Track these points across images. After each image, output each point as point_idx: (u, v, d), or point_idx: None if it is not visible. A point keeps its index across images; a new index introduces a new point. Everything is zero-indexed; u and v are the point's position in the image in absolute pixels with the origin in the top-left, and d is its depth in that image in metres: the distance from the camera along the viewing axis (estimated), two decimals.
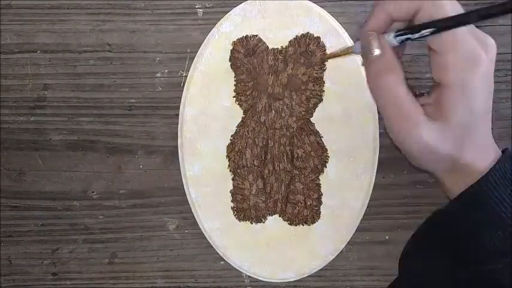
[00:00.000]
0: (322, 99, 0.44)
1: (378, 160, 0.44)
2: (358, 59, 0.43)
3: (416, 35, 0.33)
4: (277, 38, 0.44)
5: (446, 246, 0.36)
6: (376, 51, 0.33)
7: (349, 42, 0.44)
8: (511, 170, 0.34)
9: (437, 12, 0.31)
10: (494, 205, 0.33)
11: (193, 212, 0.45)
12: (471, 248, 0.34)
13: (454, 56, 0.31)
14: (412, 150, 0.33)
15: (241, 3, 0.44)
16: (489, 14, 0.30)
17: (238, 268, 0.45)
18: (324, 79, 0.44)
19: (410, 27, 0.33)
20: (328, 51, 0.44)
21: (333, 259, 0.45)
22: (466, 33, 0.31)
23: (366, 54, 0.34)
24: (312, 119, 0.44)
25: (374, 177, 0.44)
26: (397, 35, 0.33)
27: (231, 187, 0.45)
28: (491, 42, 0.32)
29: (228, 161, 0.45)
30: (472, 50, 0.31)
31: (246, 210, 0.44)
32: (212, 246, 0.45)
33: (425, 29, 0.32)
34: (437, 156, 0.33)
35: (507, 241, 0.33)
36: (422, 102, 0.34)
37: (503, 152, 0.35)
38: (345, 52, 0.37)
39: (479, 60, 0.31)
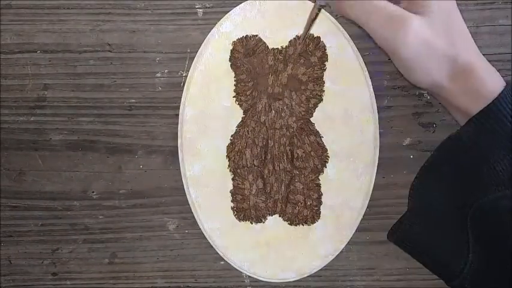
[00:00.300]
0: (322, 99, 0.44)
1: (378, 160, 0.44)
2: (357, 58, 0.43)
3: None
4: (277, 38, 0.44)
5: (458, 174, 0.35)
6: None
7: (349, 42, 0.44)
8: None
9: None
10: (506, 128, 0.32)
11: (193, 212, 0.45)
12: (484, 172, 0.34)
13: None
14: (410, 51, 0.33)
15: (241, 3, 0.44)
16: None
17: (238, 268, 0.45)
18: (324, 79, 0.44)
19: None
20: (328, 52, 0.44)
21: (333, 259, 0.45)
22: None
23: None
24: (312, 119, 0.44)
25: (374, 177, 0.44)
26: None
27: (231, 187, 0.45)
28: None
29: (228, 161, 0.45)
30: None
31: (246, 210, 0.44)
32: (212, 246, 0.45)
33: None
34: (434, 53, 0.33)
35: None
36: (403, 6, 0.34)
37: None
38: (315, 11, 0.36)
39: None
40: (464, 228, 0.35)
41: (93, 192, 0.46)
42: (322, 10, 0.44)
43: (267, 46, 0.44)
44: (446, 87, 0.34)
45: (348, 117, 0.44)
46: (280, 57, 0.44)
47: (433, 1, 0.33)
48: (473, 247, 0.35)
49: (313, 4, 0.36)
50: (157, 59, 0.45)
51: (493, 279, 0.35)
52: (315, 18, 0.37)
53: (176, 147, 0.45)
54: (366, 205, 0.44)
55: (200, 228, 0.45)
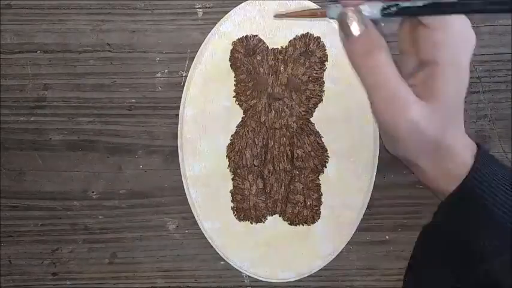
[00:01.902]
0: (322, 99, 0.44)
1: (378, 160, 0.44)
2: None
3: (408, 3, 0.30)
4: (277, 38, 0.44)
5: (444, 256, 0.36)
6: (359, 30, 0.30)
7: None
8: (497, 166, 0.33)
9: None
10: (486, 203, 0.32)
11: (193, 212, 0.45)
12: (469, 251, 0.34)
13: (448, 33, 0.30)
14: (400, 132, 0.32)
15: (241, 3, 0.44)
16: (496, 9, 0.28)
17: (238, 268, 0.45)
18: (324, 79, 0.44)
19: (402, 9, 0.30)
20: (328, 52, 0.44)
21: (333, 259, 0.45)
22: None
23: (346, 34, 0.31)
24: (312, 119, 0.44)
25: (374, 177, 0.44)
26: (384, 9, 0.30)
27: (231, 187, 0.45)
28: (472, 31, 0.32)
29: (228, 161, 0.45)
30: (465, 28, 0.30)
31: (246, 210, 0.44)
32: (212, 246, 0.45)
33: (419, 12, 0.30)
34: (423, 137, 0.32)
35: (504, 239, 0.33)
36: (409, 82, 0.32)
37: (477, 145, 0.34)
38: (315, 14, 0.33)
39: (472, 39, 0.30)
40: None
41: (93, 192, 0.46)
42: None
43: (267, 46, 0.44)
44: (420, 167, 0.34)
45: (348, 117, 0.44)
46: (280, 57, 0.44)
47: (444, 96, 0.31)
48: None
49: (317, 11, 0.34)
50: (157, 59, 0.45)
51: None
52: (302, 17, 0.35)
53: (176, 147, 0.45)
54: (366, 205, 0.44)
55: (200, 228, 0.45)
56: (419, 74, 0.32)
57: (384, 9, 0.30)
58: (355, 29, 0.30)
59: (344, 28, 0.31)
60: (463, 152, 0.33)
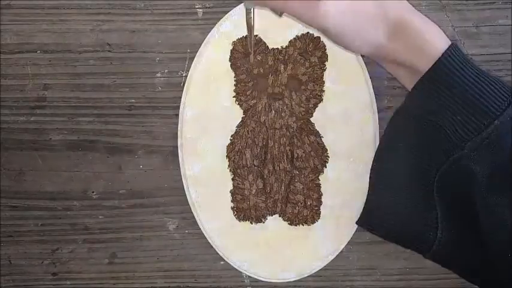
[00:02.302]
0: (322, 99, 0.44)
1: None
2: (357, 58, 0.43)
3: None
4: (277, 38, 0.44)
5: (415, 147, 0.36)
6: None
7: None
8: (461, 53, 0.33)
9: None
10: (457, 87, 0.33)
11: (193, 212, 0.45)
12: (438, 140, 0.34)
13: None
14: (336, 25, 0.32)
15: (241, 3, 0.44)
16: None
17: (238, 268, 0.45)
18: (324, 79, 0.44)
19: None
20: (328, 52, 0.44)
21: (333, 259, 0.45)
22: None
23: None
24: (312, 119, 0.44)
25: None
26: None
27: (231, 187, 0.45)
28: None
29: (228, 161, 0.45)
30: None
31: (246, 210, 0.44)
32: (212, 246, 0.45)
33: None
34: (361, 17, 0.32)
35: (473, 123, 0.33)
36: None
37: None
38: (249, 16, 0.36)
39: None
40: (431, 200, 0.35)
41: (93, 192, 0.46)
42: None
43: (267, 46, 0.44)
44: (387, 46, 0.34)
45: (348, 117, 0.44)
46: (280, 57, 0.44)
47: None
48: (442, 218, 0.35)
49: (244, 11, 0.36)
50: (157, 59, 0.45)
51: (464, 249, 0.35)
52: (253, 24, 0.37)
53: (176, 147, 0.45)
54: None
55: (200, 228, 0.45)
56: None
57: None
58: None
59: None
60: (426, 30, 0.34)
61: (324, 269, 0.45)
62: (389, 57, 0.35)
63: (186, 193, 0.45)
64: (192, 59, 0.45)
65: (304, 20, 0.33)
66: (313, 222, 0.44)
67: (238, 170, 0.44)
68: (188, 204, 0.45)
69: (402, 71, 0.36)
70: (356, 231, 0.45)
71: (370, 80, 0.44)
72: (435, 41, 0.34)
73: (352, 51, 0.35)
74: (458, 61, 0.33)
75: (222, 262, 0.46)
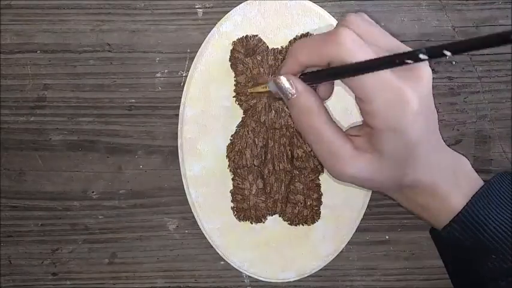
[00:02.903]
0: None
1: None
2: None
3: (324, 75, 0.33)
4: (277, 38, 0.44)
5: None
6: (291, 93, 0.33)
7: None
8: (498, 187, 0.34)
9: (348, 59, 0.30)
10: (484, 229, 0.33)
11: (193, 212, 0.45)
12: (470, 275, 0.34)
13: (379, 104, 0.30)
14: (348, 182, 0.34)
15: (241, 3, 0.44)
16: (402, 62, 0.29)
17: (238, 268, 0.45)
18: None
19: (317, 71, 0.33)
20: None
21: (333, 259, 0.45)
22: (389, 75, 0.30)
23: (284, 95, 0.34)
24: None
25: None
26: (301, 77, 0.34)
27: (231, 187, 0.45)
28: (421, 72, 0.31)
29: (228, 161, 0.45)
30: (396, 93, 0.30)
31: (246, 210, 0.44)
32: (212, 246, 0.45)
33: (335, 73, 0.31)
34: (374, 183, 0.33)
35: (505, 262, 0.33)
36: (352, 133, 0.34)
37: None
38: (265, 89, 0.38)
39: (406, 100, 0.30)
40: None
41: (93, 192, 0.46)
42: (325, 12, 0.44)
43: (267, 46, 0.44)
44: (396, 199, 0.36)
45: (348, 117, 0.44)
46: (280, 57, 0.44)
47: (387, 152, 0.32)
48: None
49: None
50: (157, 59, 0.45)
51: None
52: (262, 92, 0.40)
53: (176, 147, 0.45)
54: (366, 205, 0.44)
55: (200, 228, 0.45)
56: (364, 127, 0.34)
57: (300, 75, 0.34)
58: (287, 92, 0.34)
59: (281, 92, 0.34)
60: (432, 179, 0.34)
61: (324, 269, 0.45)
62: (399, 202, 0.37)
63: (186, 193, 0.45)
64: (192, 59, 0.45)
65: (322, 161, 0.34)
66: (313, 222, 0.44)
67: (238, 170, 0.44)
68: (188, 204, 0.45)
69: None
70: (356, 231, 0.45)
71: None
72: (452, 200, 0.35)
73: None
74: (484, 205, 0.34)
75: (222, 262, 0.46)
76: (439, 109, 0.45)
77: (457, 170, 0.35)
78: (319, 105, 0.33)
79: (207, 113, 0.44)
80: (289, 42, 0.44)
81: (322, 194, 0.44)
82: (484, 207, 0.33)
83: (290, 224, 0.45)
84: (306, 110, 0.33)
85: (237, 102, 0.44)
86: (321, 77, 0.33)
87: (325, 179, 0.44)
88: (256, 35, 0.44)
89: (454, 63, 0.45)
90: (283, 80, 0.33)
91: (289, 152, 0.44)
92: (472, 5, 0.44)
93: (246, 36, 0.44)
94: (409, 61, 0.28)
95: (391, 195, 0.36)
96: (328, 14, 0.44)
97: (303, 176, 0.44)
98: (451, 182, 0.34)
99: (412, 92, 0.30)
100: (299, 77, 0.34)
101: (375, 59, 0.30)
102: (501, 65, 0.45)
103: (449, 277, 0.38)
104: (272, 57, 0.44)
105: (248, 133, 0.44)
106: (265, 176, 0.44)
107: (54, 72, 0.45)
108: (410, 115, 0.30)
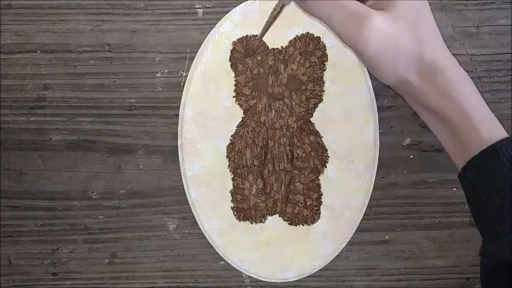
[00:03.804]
0: (322, 99, 0.44)
1: (378, 160, 0.44)
2: (357, 58, 0.43)
3: None
4: (277, 38, 0.44)
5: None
6: None
7: None
8: None
9: None
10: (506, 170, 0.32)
11: (193, 212, 0.45)
12: (488, 215, 0.33)
13: None
14: (373, 49, 0.32)
15: (241, 3, 0.44)
16: None
17: (238, 268, 0.45)
18: (324, 79, 0.44)
19: None
20: (328, 52, 0.44)
21: (333, 259, 0.45)
22: None
23: None
24: (312, 119, 0.44)
25: (374, 177, 0.44)
26: None
27: (231, 187, 0.45)
28: None
29: (228, 161, 0.45)
30: None
31: (246, 210, 0.44)
32: (212, 246, 0.45)
33: None
34: (398, 50, 0.32)
35: None
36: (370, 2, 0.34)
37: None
38: (277, 10, 0.36)
39: None
40: None
41: (93, 192, 0.46)
42: None
43: (267, 46, 0.44)
44: (414, 85, 0.34)
45: (348, 117, 0.44)
46: (280, 57, 0.44)
47: (403, 2, 0.32)
48: None
49: (275, 2, 0.36)
50: (157, 59, 0.45)
51: None
52: (276, 17, 0.37)
53: (176, 147, 0.45)
54: (366, 205, 0.44)
55: (200, 228, 0.45)
56: None
57: None
58: None
59: None
60: (458, 78, 0.33)
61: (324, 269, 0.45)
62: (417, 98, 0.35)
63: (186, 193, 0.45)
64: (192, 59, 0.45)
65: (342, 34, 0.33)
66: (313, 222, 0.44)
67: (238, 170, 0.44)
68: (188, 204, 0.45)
69: (423, 109, 0.36)
70: (356, 231, 0.45)
71: (370, 80, 0.44)
72: (463, 90, 0.34)
73: (376, 76, 0.35)
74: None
75: (222, 262, 0.46)
76: None
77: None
78: None
79: (207, 113, 0.44)
80: (289, 42, 0.44)
81: (322, 194, 0.44)
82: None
83: (290, 224, 0.45)
84: None
85: (237, 102, 0.44)
86: None
87: (325, 179, 0.44)
88: (256, 35, 0.44)
89: None
90: None
91: (289, 152, 0.44)
92: (472, 5, 0.44)
93: (246, 36, 0.44)
94: None
95: (408, 83, 0.34)
96: None
97: (303, 176, 0.44)
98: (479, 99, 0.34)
99: None
100: None
101: None
102: (501, 65, 0.45)
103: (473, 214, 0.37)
104: (272, 57, 0.44)
105: (248, 133, 0.44)
106: (265, 176, 0.44)
107: (54, 72, 0.45)
108: None
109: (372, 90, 0.44)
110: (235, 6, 0.44)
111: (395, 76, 0.34)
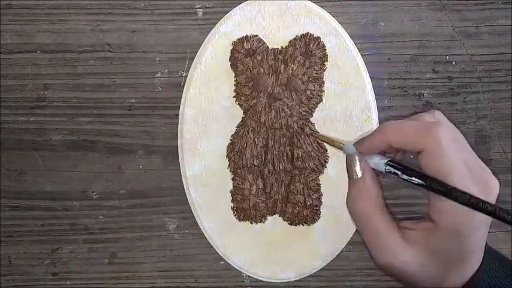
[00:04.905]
0: (322, 99, 0.44)
1: None
2: (357, 58, 0.43)
3: (405, 177, 0.33)
4: (277, 38, 0.44)
5: None
6: (357, 175, 0.34)
7: (349, 42, 0.44)
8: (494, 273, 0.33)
9: (437, 162, 0.31)
10: None
11: (193, 212, 0.45)
12: None
13: (451, 203, 0.31)
14: (393, 274, 0.34)
15: (241, 3, 0.44)
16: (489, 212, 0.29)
17: (238, 268, 0.45)
18: (324, 79, 0.44)
19: (404, 168, 0.33)
20: (328, 52, 0.44)
21: (333, 259, 0.45)
22: (467, 179, 0.31)
23: (349, 173, 0.34)
24: (312, 119, 0.44)
25: None
26: (388, 165, 0.34)
27: (231, 187, 0.45)
28: (494, 184, 0.32)
29: (228, 161, 0.45)
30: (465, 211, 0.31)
31: (246, 210, 0.44)
32: (212, 246, 0.45)
33: (417, 178, 0.32)
34: (416, 279, 0.33)
35: None
36: (407, 226, 0.34)
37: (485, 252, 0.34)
38: (336, 145, 0.39)
39: (479, 218, 0.31)
40: None
41: (93, 192, 0.46)
42: (325, 12, 0.44)
43: (267, 46, 0.44)
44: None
45: (348, 117, 0.44)
46: (280, 57, 0.44)
47: (441, 252, 0.32)
48: None
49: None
50: (157, 59, 0.45)
51: None
52: (330, 143, 0.40)
53: (176, 147, 0.45)
54: None
55: (200, 228, 0.45)
56: (422, 223, 0.34)
57: (387, 166, 0.34)
58: (353, 172, 0.35)
59: (347, 168, 0.35)
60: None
61: (324, 269, 0.45)
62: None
63: (186, 193, 0.45)
64: (192, 59, 0.45)
65: (369, 249, 0.34)
66: (313, 222, 0.44)
67: (238, 170, 0.44)
68: (188, 204, 0.45)
69: None
70: (356, 231, 0.45)
71: (370, 80, 0.44)
72: None
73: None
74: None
75: (222, 262, 0.46)
76: (439, 109, 0.45)
77: None
78: (378, 193, 0.34)
79: (207, 113, 0.44)
80: (289, 42, 0.44)
81: (322, 194, 0.44)
82: None
83: (290, 224, 0.45)
84: (366, 196, 0.34)
85: (237, 102, 0.44)
86: (409, 174, 0.33)
87: (325, 179, 0.44)
88: (256, 35, 0.44)
89: (454, 63, 0.45)
90: (356, 161, 0.34)
91: (289, 152, 0.44)
92: (471, 5, 0.44)
93: (246, 36, 0.44)
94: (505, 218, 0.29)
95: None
96: (329, 14, 0.44)
97: (303, 176, 0.44)
98: None
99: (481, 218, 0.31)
100: (388, 162, 0.34)
101: (462, 192, 0.30)
102: (501, 65, 0.45)
103: None
104: (272, 57, 0.44)
105: (248, 133, 0.44)
106: (265, 176, 0.44)
107: (54, 72, 0.45)
108: (477, 222, 0.31)
109: (372, 90, 0.44)
110: (235, 6, 0.44)
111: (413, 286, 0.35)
